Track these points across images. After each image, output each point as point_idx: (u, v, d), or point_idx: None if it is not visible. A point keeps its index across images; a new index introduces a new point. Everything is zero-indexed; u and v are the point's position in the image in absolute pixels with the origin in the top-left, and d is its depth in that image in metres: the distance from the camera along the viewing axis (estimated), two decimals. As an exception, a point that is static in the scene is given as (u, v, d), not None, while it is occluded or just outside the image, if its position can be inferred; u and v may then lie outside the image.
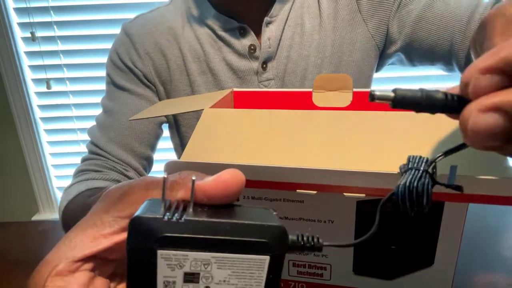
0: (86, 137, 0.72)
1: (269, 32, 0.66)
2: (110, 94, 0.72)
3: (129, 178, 0.67)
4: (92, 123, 0.73)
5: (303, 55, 0.68)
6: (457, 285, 0.46)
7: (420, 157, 0.25)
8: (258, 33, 0.67)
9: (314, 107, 0.49)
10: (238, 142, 0.35)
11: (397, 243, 0.35)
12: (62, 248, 0.23)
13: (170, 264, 0.20)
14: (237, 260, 0.20)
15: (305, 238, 0.22)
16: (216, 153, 0.34)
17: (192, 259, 0.20)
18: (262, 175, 0.31)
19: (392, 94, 0.21)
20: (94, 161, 0.68)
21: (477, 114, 0.19)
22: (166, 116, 0.74)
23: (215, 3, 0.67)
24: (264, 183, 0.31)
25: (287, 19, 0.67)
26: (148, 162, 0.72)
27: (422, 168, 0.24)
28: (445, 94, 0.21)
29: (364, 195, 0.30)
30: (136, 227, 0.20)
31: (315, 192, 0.31)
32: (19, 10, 1.40)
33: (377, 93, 0.21)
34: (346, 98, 0.47)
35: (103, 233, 0.23)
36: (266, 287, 0.21)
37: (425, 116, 0.35)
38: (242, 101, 0.52)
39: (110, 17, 1.40)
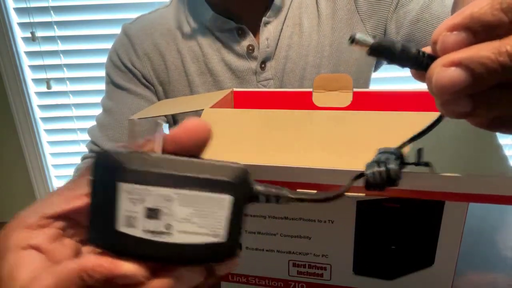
0: (86, 137, 0.73)
1: (267, 32, 0.67)
2: (109, 94, 0.72)
3: None
4: (92, 123, 0.73)
5: (302, 55, 0.68)
6: (457, 285, 0.46)
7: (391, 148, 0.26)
8: (256, 33, 0.67)
9: (314, 107, 0.49)
10: (238, 141, 0.35)
11: (397, 243, 0.35)
12: (35, 206, 0.24)
13: (132, 198, 0.20)
14: (199, 198, 0.20)
15: (271, 189, 0.22)
16: (216, 152, 0.34)
17: (154, 194, 0.20)
18: (262, 175, 0.31)
19: (371, 41, 0.21)
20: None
21: (441, 68, 0.20)
22: (165, 116, 0.74)
23: (213, 4, 0.67)
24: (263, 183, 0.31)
25: (285, 19, 0.67)
26: None
27: (389, 151, 0.26)
28: (419, 51, 0.21)
29: (364, 194, 0.30)
30: (101, 160, 0.20)
31: (315, 191, 0.31)
32: (19, 10, 1.40)
33: (357, 36, 0.21)
34: (346, 98, 0.47)
35: (76, 194, 0.23)
36: (228, 228, 0.20)
37: (425, 115, 0.35)
38: (242, 101, 0.52)
39: (110, 17, 1.40)
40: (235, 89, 0.52)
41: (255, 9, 0.66)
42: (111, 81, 0.72)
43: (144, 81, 0.71)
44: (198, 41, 0.68)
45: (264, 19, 0.66)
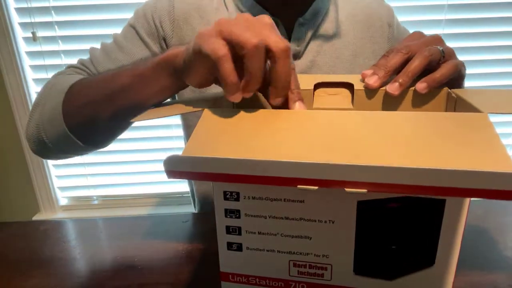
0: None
1: (300, 32, 0.69)
2: (127, 34, 0.73)
3: None
4: None
5: (329, 65, 0.71)
6: (457, 285, 0.46)
7: None
8: (289, 31, 0.69)
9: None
10: (239, 138, 0.35)
11: (397, 243, 0.35)
12: None
13: None
14: None
15: None
16: (217, 149, 0.34)
17: None
18: (263, 170, 0.31)
19: None
20: (81, 71, 0.69)
21: None
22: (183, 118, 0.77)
23: None
24: (265, 178, 0.31)
25: (319, 26, 0.70)
26: None
27: None
28: None
29: (365, 190, 0.30)
30: None
31: (316, 187, 0.31)
32: (20, 10, 1.40)
33: None
34: (346, 99, 0.48)
35: None
36: None
37: (424, 114, 0.35)
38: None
39: (111, 17, 1.40)
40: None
41: (293, 8, 0.68)
42: (134, 26, 0.72)
43: (163, 43, 0.72)
44: None
45: (300, 19, 0.68)
